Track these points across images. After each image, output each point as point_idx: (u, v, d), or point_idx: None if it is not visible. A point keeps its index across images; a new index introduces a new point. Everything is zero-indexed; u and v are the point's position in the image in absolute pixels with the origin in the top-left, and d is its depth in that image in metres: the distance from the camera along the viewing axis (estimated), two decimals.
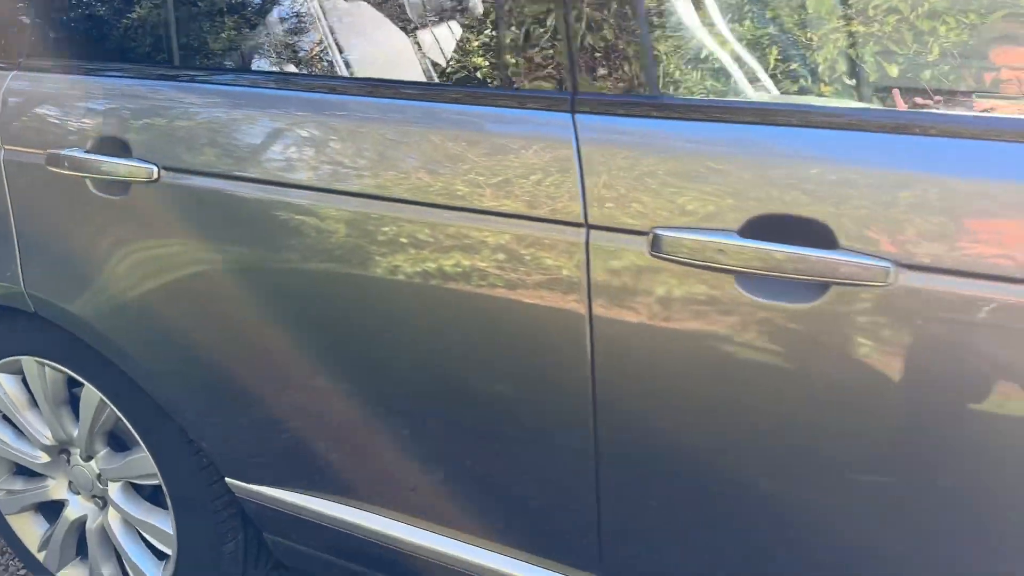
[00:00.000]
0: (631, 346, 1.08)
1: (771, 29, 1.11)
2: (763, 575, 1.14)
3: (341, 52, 1.36)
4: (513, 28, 1.13)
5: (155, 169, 1.38)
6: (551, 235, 1.09)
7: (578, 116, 1.08)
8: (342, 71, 1.37)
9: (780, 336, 0.99)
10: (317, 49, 1.36)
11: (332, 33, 1.36)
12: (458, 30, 1.26)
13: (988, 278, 0.89)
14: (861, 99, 1.07)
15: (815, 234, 0.96)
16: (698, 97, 1.10)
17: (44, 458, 1.82)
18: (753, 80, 1.09)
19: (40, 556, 1.93)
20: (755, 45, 1.11)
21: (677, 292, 1.03)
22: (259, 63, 1.43)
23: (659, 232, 1.02)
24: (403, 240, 1.19)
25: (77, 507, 1.85)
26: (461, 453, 1.31)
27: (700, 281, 1.02)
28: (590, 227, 1.07)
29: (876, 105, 1.07)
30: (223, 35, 1.42)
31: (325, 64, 1.38)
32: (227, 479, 1.60)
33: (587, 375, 1.12)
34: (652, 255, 1.03)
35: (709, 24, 1.11)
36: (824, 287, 0.96)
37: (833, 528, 1.06)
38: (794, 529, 1.09)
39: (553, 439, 1.21)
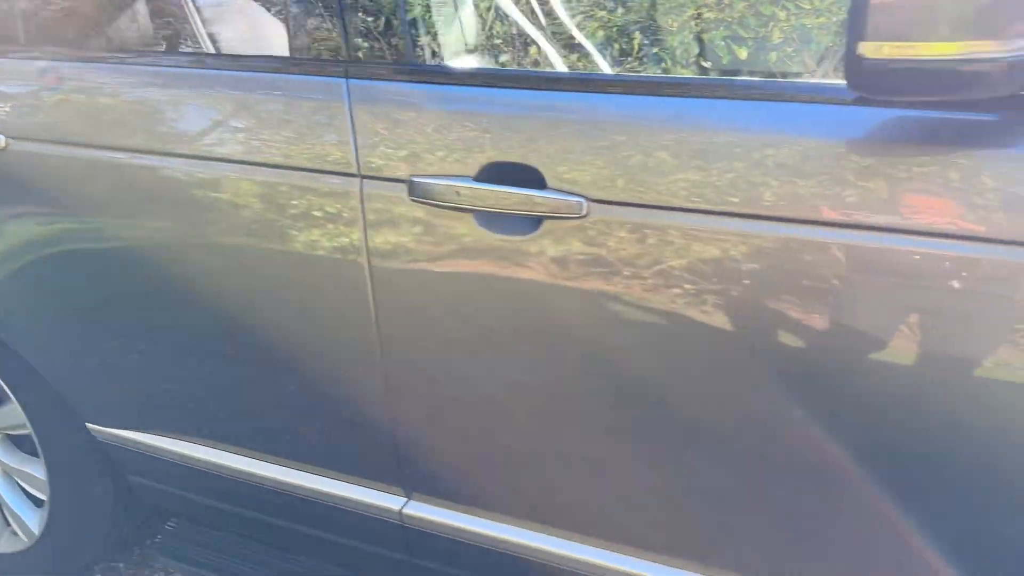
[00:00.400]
0: (401, 280, 1.27)
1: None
2: (525, 479, 1.34)
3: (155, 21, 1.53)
4: (299, 5, 1.31)
5: (2, 138, 1.53)
6: (333, 185, 1.28)
7: (351, 81, 1.27)
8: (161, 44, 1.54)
9: (510, 261, 1.19)
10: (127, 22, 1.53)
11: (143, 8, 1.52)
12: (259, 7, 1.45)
13: (652, 208, 1.09)
14: (576, 63, 1.28)
15: (531, 177, 1.15)
16: (446, 64, 1.31)
17: None
18: (495, 49, 1.29)
19: None
20: (501, 18, 1.31)
21: (431, 230, 1.23)
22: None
23: (415, 179, 1.22)
24: (215, 195, 1.37)
25: None
26: (282, 391, 1.49)
27: (448, 219, 1.21)
28: (363, 177, 1.26)
29: (578, 69, 1.27)
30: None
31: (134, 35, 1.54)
32: (87, 424, 1.75)
33: (369, 306, 1.30)
34: (411, 199, 1.22)
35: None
36: (539, 220, 1.16)
37: (560, 430, 1.26)
38: (535, 433, 1.29)
39: (350, 371, 1.39)
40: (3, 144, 1.53)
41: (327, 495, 1.54)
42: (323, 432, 1.50)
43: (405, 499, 1.47)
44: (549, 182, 1.15)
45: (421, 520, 1.46)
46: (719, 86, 1.16)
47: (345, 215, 1.28)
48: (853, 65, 0.83)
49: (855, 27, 0.81)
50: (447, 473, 1.42)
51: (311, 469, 1.55)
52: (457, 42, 1.32)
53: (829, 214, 1.01)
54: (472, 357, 1.28)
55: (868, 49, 0.80)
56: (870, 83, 0.85)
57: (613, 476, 1.27)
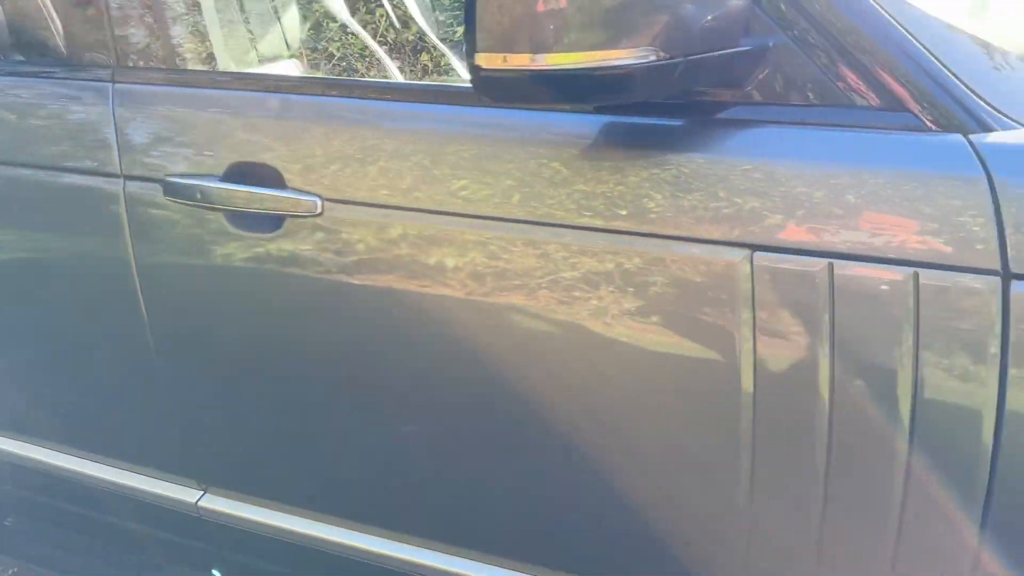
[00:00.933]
0: (164, 273, 1.30)
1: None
2: (303, 469, 1.38)
3: None
4: (68, 9, 1.33)
5: None
6: (100, 185, 1.30)
7: (116, 85, 1.29)
8: None
9: (258, 258, 1.22)
10: None
11: None
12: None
13: (383, 207, 1.13)
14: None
15: (272, 177, 1.18)
16: (201, 68, 1.34)
17: None
18: (249, 53, 1.32)
19: None
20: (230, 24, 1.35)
21: (185, 229, 1.26)
22: None
23: (167, 179, 1.24)
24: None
25: None
26: (80, 390, 1.51)
27: (200, 218, 1.24)
28: (125, 178, 1.29)
29: (317, 73, 1.31)
30: None
31: None
32: None
33: (140, 303, 1.33)
34: (166, 198, 1.25)
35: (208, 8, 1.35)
36: (282, 218, 1.19)
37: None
38: (302, 422, 1.33)
39: (135, 370, 1.42)
40: None
41: (131, 488, 1.57)
42: (123, 429, 1.52)
43: (201, 492, 1.50)
44: (288, 182, 1.18)
45: (217, 512, 1.49)
46: (442, 92, 1.20)
47: (111, 215, 1.30)
48: (473, 73, 0.86)
49: (470, 39, 0.85)
50: (238, 467, 1.45)
51: (120, 464, 1.57)
52: (215, 47, 1.35)
53: (533, 214, 1.05)
54: (237, 353, 1.31)
55: (483, 60, 0.84)
56: (490, 90, 0.88)
57: (374, 461, 1.31)
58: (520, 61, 0.81)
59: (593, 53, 0.87)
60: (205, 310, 1.30)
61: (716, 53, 0.92)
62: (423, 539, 1.32)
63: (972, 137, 0.91)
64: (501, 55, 0.82)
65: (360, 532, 1.38)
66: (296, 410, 1.31)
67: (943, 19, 1.01)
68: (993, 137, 0.91)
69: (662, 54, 0.88)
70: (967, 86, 0.93)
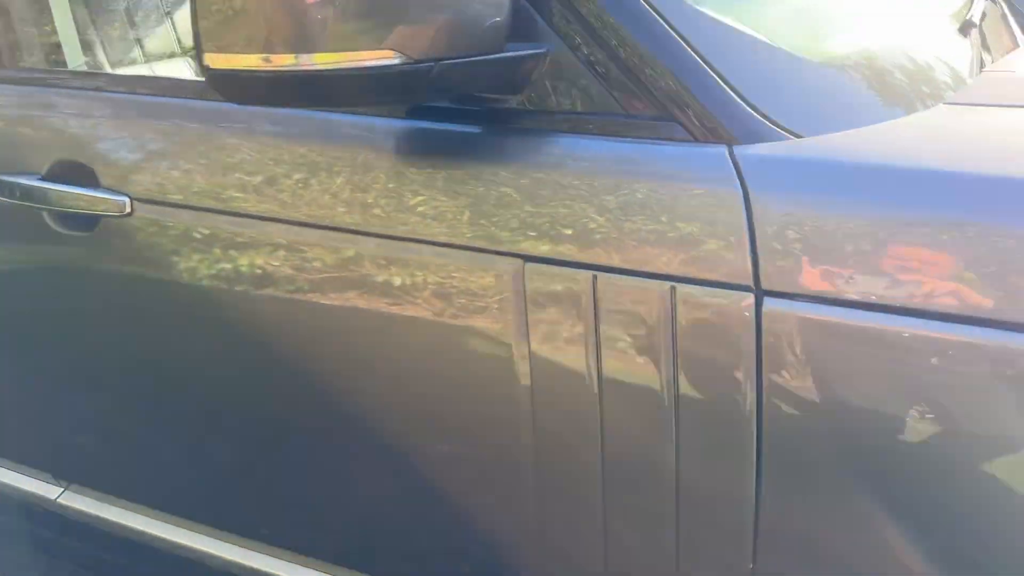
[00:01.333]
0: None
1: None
2: (152, 469, 1.37)
3: None
4: None
5: None
6: None
7: None
8: None
9: (78, 257, 1.21)
10: None
11: None
12: None
13: (189, 208, 1.12)
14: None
15: (88, 176, 1.18)
16: (24, 66, 1.35)
17: None
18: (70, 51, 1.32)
19: None
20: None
21: (17, 225, 1.25)
22: None
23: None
24: None
25: None
26: None
27: (28, 215, 1.24)
28: None
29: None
30: None
31: None
32: None
33: None
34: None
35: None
36: (98, 218, 1.18)
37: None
38: (146, 421, 1.32)
39: None
40: None
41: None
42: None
43: (62, 489, 1.50)
44: (101, 181, 1.17)
45: (76, 510, 1.49)
46: None
47: None
48: (205, 72, 0.84)
49: (197, 39, 0.82)
50: (96, 466, 1.45)
51: None
52: (36, 44, 1.35)
53: (314, 216, 1.03)
54: (67, 350, 1.31)
55: (211, 60, 0.82)
56: (221, 88, 0.86)
57: (192, 457, 1.30)
58: (250, 62, 0.79)
59: (339, 55, 0.84)
60: (35, 308, 1.29)
61: (475, 58, 0.89)
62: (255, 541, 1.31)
63: (737, 149, 0.87)
64: (231, 55, 0.80)
65: (206, 535, 1.37)
66: (122, 407, 1.30)
67: (734, 24, 0.97)
68: (758, 149, 0.87)
69: (412, 57, 0.85)
70: (739, 94, 0.89)
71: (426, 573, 1.18)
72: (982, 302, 0.77)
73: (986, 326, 0.76)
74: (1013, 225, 0.78)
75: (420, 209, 0.98)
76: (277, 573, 1.26)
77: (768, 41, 0.96)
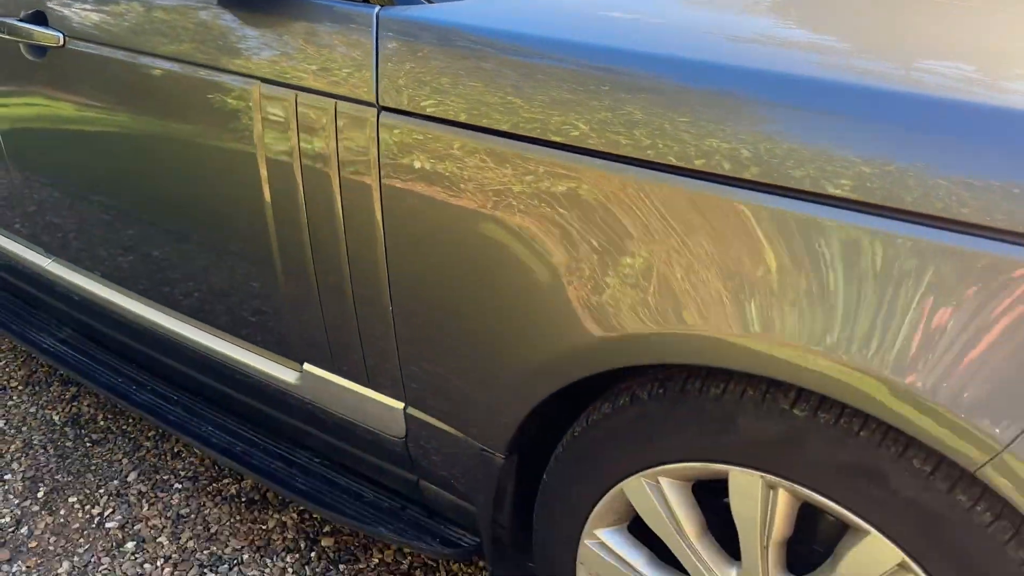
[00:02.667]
0: None
1: None
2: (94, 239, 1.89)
3: None
4: None
5: None
6: None
7: None
8: None
9: (41, 80, 1.72)
10: None
11: None
12: None
13: (114, 47, 1.58)
14: None
15: (44, 18, 1.67)
16: None
17: None
18: None
19: None
20: None
21: (8, 54, 1.78)
22: None
23: None
24: None
25: None
26: None
27: (12, 47, 1.75)
28: None
29: None
30: None
31: None
32: None
33: None
34: None
35: None
36: (46, 48, 1.68)
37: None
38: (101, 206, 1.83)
39: None
40: None
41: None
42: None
43: (50, 259, 2.06)
44: (50, 21, 1.66)
45: (57, 275, 2.04)
46: None
47: None
48: None
49: None
50: (66, 244, 1.99)
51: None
52: None
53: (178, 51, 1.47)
54: (47, 154, 1.83)
55: None
56: None
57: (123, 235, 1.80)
58: None
59: None
60: (20, 117, 1.82)
61: None
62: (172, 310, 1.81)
63: (383, 9, 1.22)
64: None
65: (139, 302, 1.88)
66: (76, 198, 1.82)
67: None
68: (398, 10, 1.22)
69: None
70: None
71: (207, 306, 1.64)
72: (523, 122, 1.10)
73: (532, 143, 1.09)
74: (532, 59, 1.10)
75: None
76: (145, 315, 1.76)
77: None
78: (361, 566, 1.79)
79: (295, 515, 1.93)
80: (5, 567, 1.81)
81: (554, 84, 1.06)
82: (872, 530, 0.97)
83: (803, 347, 0.91)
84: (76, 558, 1.83)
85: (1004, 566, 0.90)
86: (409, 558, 1.82)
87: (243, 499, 1.99)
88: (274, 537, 1.87)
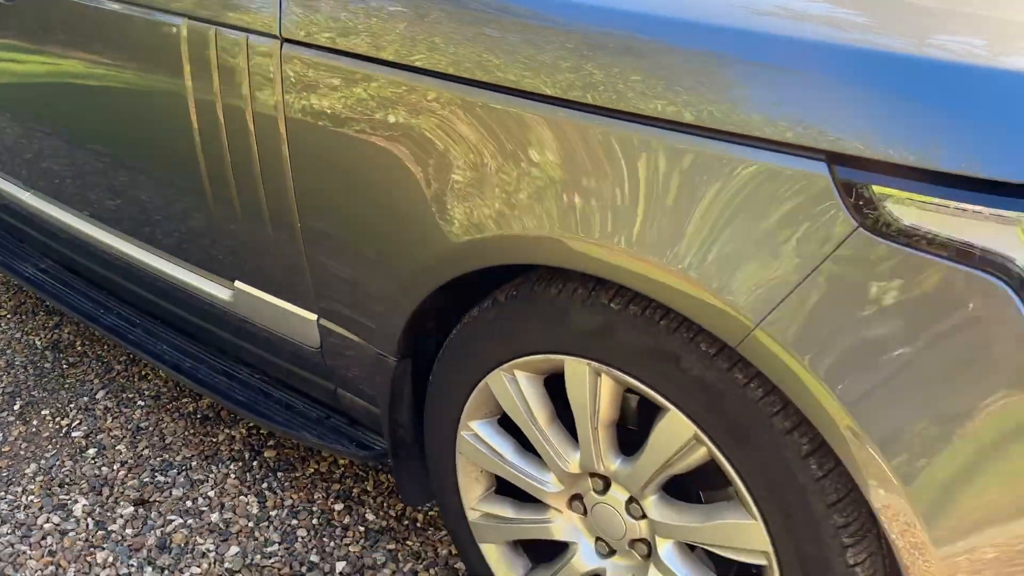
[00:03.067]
0: None
1: None
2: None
3: None
4: None
5: None
6: None
7: None
8: None
9: (5, 22, 1.89)
10: None
11: None
12: None
13: None
14: None
15: None
16: None
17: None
18: None
19: None
20: None
21: None
22: None
23: None
24: None
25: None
26: None
27: None
28: None
29: None
30: None
31: None
32: None
33: None
34: None
35: None
36: None
37: None
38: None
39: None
40: None
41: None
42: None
43: (30, 192, 2.24)
44: None
45: (35, 206, 2.22)
46: None
47: None
48: None
49: None
50: (41, 177, 2.17)
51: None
52: None
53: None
54: (21, 94, 2.01)
55: None
56: None
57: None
58: None
59: None
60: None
61: None
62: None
63: None
64: None
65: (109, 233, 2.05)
66: (46, 132, 1.99)
67: None
68: None
69: None
70: None
71: (155, 231, 1.81)
72: (408, 54, 1.24)
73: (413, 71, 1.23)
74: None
75: None
76: (109, 243, 1.94)
77: None
78: (297, 475, 1.97)
79: (243, 431, 2.11)
80: None
81: (431, 22, 1.20)
82: (671, 407, 1.11)
83: (609, 246, 1.06)
84: (43, 461, 2.02)
85: (773, 436, 1.04)
86: (342, 468, 1.99)
87: (198, 416, 2.17)
88: (222, 448, 2.05)
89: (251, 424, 2.12)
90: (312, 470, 1.98)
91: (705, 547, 1.21)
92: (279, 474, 1.97)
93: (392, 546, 1.77)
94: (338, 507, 1.87)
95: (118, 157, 1.80)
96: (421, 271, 1.30)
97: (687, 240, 1.00)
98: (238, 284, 1.69)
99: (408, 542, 1.78)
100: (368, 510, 1.86)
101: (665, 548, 1.25)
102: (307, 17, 1.32)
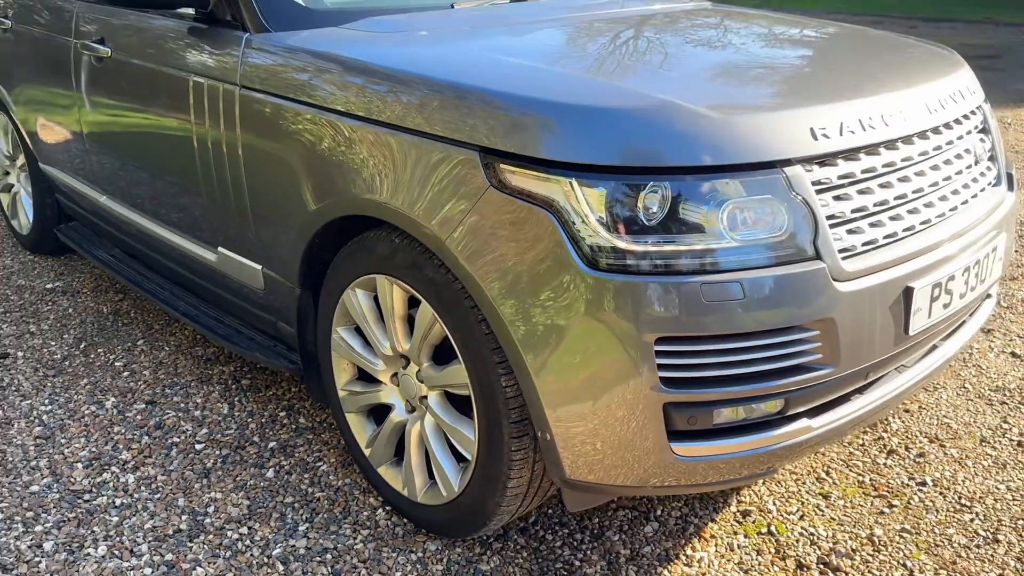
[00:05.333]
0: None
1: None
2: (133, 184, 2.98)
3: None
4: None
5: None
6: None
7: None
8: None
9: (98, 77, 2.83)
10: None
11: None
12: None
13: None
14: None
15: None
16: None
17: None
18: None
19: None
20: None
21: (86, 62, 2.90)
22: None
23: None
24: None
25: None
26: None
27: (89, 58, 2.87)
28: None
29: None
30: None
31: None
32: (40, 164, 3.64)
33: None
34: None
35: None
36: (103, 58, 2.78)
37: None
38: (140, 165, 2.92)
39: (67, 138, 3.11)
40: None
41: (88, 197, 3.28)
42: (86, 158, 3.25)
43: (104, 195, 3.16)
44: (106, 42, 2.77)
45: (109, 207, 3.14)
46: None
47: None
48: None
49: None
50: (113, 184, 3.09)
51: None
52: None
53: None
54: (99, 126, 2.94)
55: None
56: None
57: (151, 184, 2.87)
58: None
59: None
60: (90, 102, 2.95)
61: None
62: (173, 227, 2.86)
63: (250, 34, 2.23)
64: None
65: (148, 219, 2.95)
66: (115, 153, 2.92)
67: None
68: (256, 35, 2.23)
69: None
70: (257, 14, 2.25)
71: (176, 213, 2.67)
72: (315, 98, 2.09)
73: (316, 108, 2.08)
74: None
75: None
76: (147, 227, 2.83)
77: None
78: (260, 394, 2.77)
79: (232, 368, 2.93)
80: (50, 380, 2.88)
81: (341, 81, 2.03)
82: (423, 300, 1.87)
83: (385, 202, 1.84)
84: (92, 377, 2.89)
85: (468, 316, 1.77)
86: (293, 391, 2.77)
87: (204, 359, 3.01)
88: (214, 377, 2.87)
89: (239, 363, 2.94)
90: (271, 393, 2.78)
91: (447, 390, 1.95)
92: (248, 393, 2.77)
93: (310, 436, 2.55)
94: (282, 414, 2.66)
95: (157, 170, 2.70)
96: (304, 224, 2.11)
97: (416, 194, 1.77)
98: (220, 249, 2.53)
99: (322, 436, 2.55)
100: (302, 416, 2.65)
101: (432, 397, 1.99)
102: (255, 73, 2.18)
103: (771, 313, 1.61)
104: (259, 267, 2.40)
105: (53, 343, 3.13)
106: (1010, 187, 2.23)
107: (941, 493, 2.26)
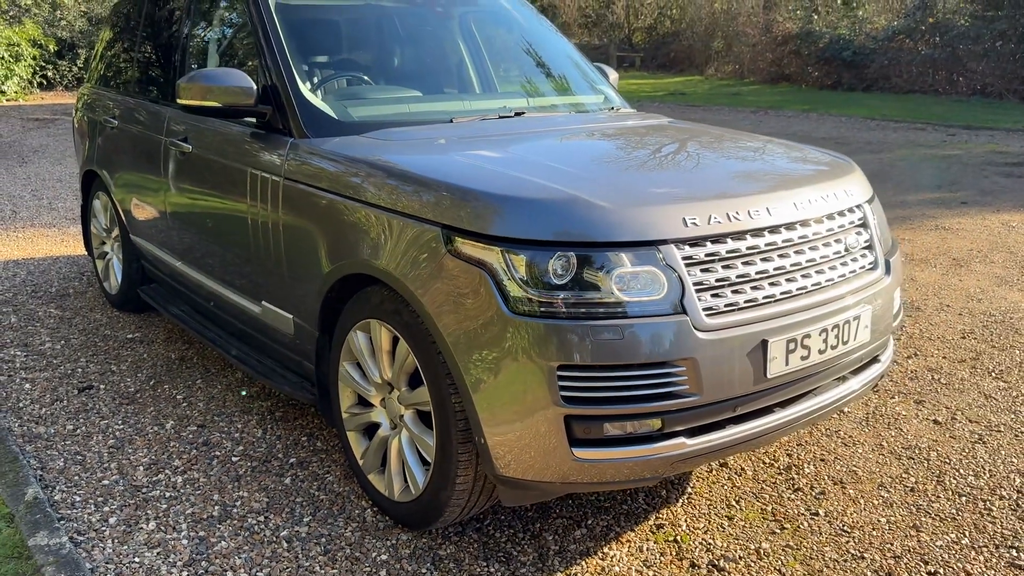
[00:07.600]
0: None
1: None
2: (194, 250, 3.70)
3: None
4: None
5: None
6: None
7: None
8: None
9: (182, 166, 3.59)
10: None
11: None
12: None
13: None
14: None
15: None
16: None
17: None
18: None
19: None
20: None
21: (175, 155, 3.68)
22: None
23: None
24: None
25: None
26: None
27: (177, 152, 3.65)
28: None
29: None
30: None
31: None
32: (130, 235, 4.43)
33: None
34: None
35: None
36: (187, 152, 3.55)
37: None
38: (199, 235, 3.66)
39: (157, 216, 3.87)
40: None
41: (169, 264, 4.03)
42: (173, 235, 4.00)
43: (178, 261, 3.89)
44: (188, 140, 3.54)
45: (182, 270, 3.86)
46: None
47: None
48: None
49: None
50: (182, 250, 3.81)
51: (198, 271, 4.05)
52: None
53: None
54: (166, 209, 3.69)
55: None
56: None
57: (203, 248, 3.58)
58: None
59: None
60: (175, 187, 3.72)
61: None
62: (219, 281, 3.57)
63: (295, 139, 2.94)
64: None
65: (200, 274, 3.66)
66: (189, 227, 3.66)
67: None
68: (299, 140, 2.94)
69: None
70: (302, 124, 2.96)
71: (231, 276, 3.35)
72: (343, 188, 2.79)
73: (344, 197, 2.76)
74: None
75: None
76: (211, 286, 3.53)
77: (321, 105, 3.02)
78: (289, 423, 3.39)
79: (270, 404, 3.57)
80: (123, 406, 3.56)
81: (353, 175, 2.71)
82: (401, 338, 2.48)
83: (378, 264, 2.48)
84: (157, 406, 3.56)
85: (429, 347, 2.38)
86: (314, 423, 3.38)
87: (249, 395, 3.65)
88: (254, 410, 3.52)
89: (275, 399, 3.57)
90: (298, 423, 3.40)
91: (417, 408, 2.53)
92: (279, 423, 3.40)
93: (323, 456, 3.15)
94: (304, 438, 3.28)
95: (218, 238, 3.41)
96: (323, 281, 2.76)
97: (399, 259, 2.40)
98: (263, 302, 3.20)
99: (332, 455, 3.14)
100: (319, 440, 3.26)
101: (407, 415, 2.58)
102: (295, 168, 2.88)
103: (644, 351, 2.17)
104: (291, 316, 3.05)
105: (129, 379, 3.83)
106: (887, 272, 2.75)
107: (828, 521, 2.71)
